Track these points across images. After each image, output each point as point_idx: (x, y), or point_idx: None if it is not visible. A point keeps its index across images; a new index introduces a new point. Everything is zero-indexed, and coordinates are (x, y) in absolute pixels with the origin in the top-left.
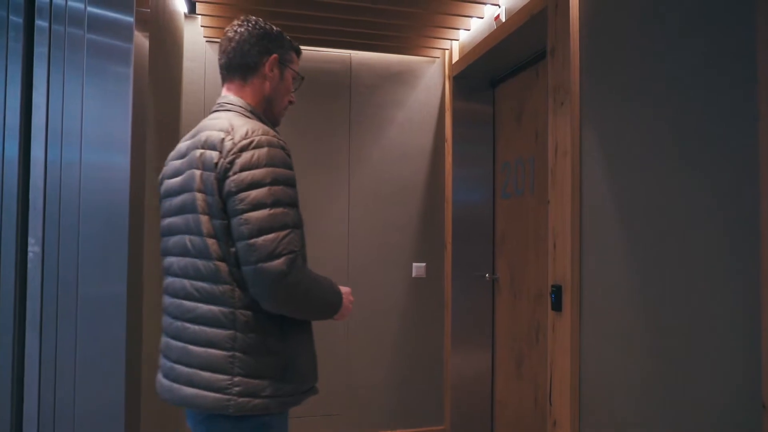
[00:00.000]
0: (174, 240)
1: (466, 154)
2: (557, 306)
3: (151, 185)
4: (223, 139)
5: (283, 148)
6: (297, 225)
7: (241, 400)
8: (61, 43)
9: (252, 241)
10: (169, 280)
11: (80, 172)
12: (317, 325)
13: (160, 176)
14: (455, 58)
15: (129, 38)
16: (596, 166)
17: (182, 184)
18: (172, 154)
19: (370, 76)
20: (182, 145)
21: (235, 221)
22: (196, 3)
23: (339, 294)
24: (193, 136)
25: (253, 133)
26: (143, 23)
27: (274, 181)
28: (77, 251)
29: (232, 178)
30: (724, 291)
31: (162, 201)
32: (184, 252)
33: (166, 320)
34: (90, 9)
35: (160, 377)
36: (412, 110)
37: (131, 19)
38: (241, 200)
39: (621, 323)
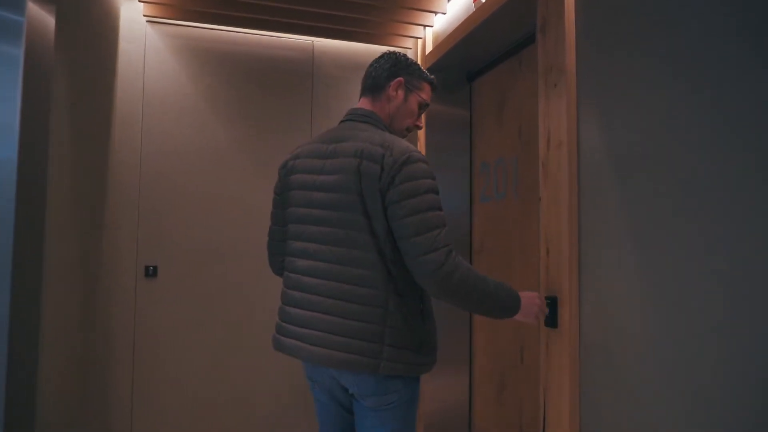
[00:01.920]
0: (321, 230)
1: (440, 154)
2: (552, 321)
3: (70, 183)
4: (383, 156)
5: (428, 163)
6: (446, 224)
7: (388, 363)
8: None
9: (413, 240)
10: (314, 263)
11: None
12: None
13: (288, 167)
14: (429, 48)
15: (18, 10)
16: (597, 158)
17: (336, 185)
18: (305, 151)
19: (334, 67)
20: (321, 146)
21: (398, 224)
22: None
23: (513, 294)
24: (338, 141)
25: (407, 149)
26: None
27: (427, 191)
28: None
29: (394, 191)
30: (752, 305)
31: (293, 191)
32: (338, 242)
33: (306, 298)
34: None
35: (303, 345)
36: None
37: None
38: (403, 207)
39: (628, 337)
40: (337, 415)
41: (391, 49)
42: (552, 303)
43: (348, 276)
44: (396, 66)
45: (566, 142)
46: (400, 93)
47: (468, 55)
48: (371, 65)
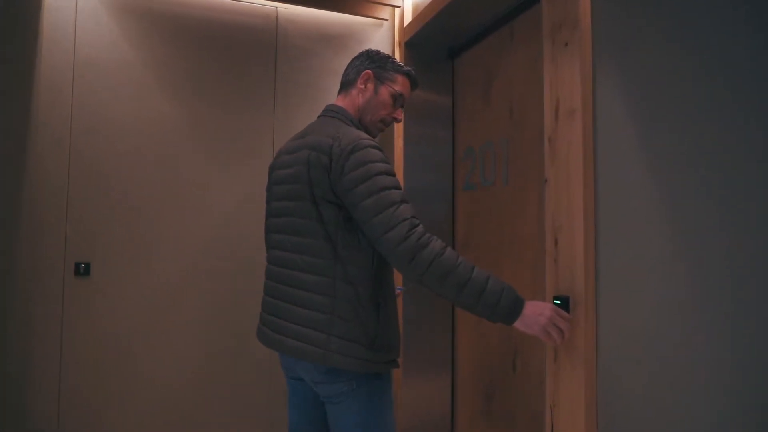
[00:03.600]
0: (284, 220)
1: (419, 139)
2: None
3: None
4: (331, 146)
5: (378, 148)
6: (406, 200)
7: (337, 356)
8: None
9: (371, 222)
10: (279, 253)
11: None
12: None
13: (271, 166)
14: (408, 19)
15: None
16: (618, 130)
17: (292, 176)
18: (283, 149)
19: (301, 38)
20: (292, 143)
21: (356, 211)
22: None
23: (510, 293)
24: (303, 137)
25: (356, 138)
26: None
27: (377, 173)
28: None
29: (345, 180)
30: None
31: (272, 186)
32: (294, 231)
33: (273, 285)
34: None
35: (266, 330)
36: None
37: None
38: (356, 194)
39: (656, 347)
40: (307, 407)
41: (366, 20)
42: (563, 304)
43: (301, 263)
44: (366, 60)
45: (581, 110)
46: (370, 86)
47: (452, 26)
48: (347, 67)
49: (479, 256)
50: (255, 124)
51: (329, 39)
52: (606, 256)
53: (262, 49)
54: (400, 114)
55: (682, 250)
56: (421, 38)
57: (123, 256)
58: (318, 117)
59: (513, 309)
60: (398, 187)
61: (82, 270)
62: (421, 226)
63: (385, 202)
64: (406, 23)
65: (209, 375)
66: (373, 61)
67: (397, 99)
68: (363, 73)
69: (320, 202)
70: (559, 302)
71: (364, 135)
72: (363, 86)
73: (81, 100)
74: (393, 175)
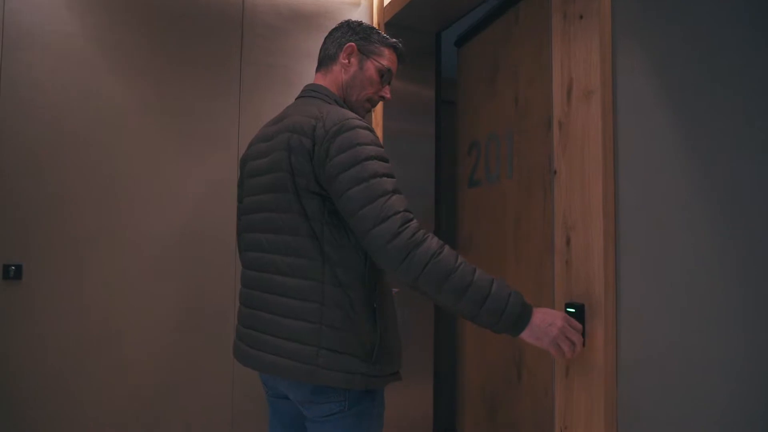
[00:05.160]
0: (262, 216)
1: (399, 133)
2: None
3: None
4: (314, 127)
5: (369, 128)
6: (399, 191)
7: (325, 372)
8: None
9: (359, 213)
10: (255, 255)
11: None
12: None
13: (243, 158)
14: None
15: None
16: (641, 114)
17: (270, 166)
18: (256, 137)
19: (270, 16)
20: (268, 129)
21: (340, 201)
22: None
23: (517, 299)
24: (280, 121)
25: (342, 117)
26: None
27: (367, 158)
28: None
29: (330, 165)
30: None
31: (245, 180)
32: (274, 229)
33: (249, 293)
34: None
35: (242, 346)
36: None
37: None
38: (341, 180)
39: (685, 363)
40: (293, 428)
41: None
42: (577, 313)
43: (281, 266)
44: (348, 32)
45: (599, 91)
46: (354, 60)
47: (436, 5)
48: (325, 40)
49: (483, 257)
50: (217, 109)
51: (301, 17)
52: (628, 257)
53: (226, 25)
54: (387, 92)
55: (713, 253)
56: (402, 19)
57: (61, 256)
58: (296, 98)
59: (520, 318)
60: (391, 175)
61: (12, 273)
62: (415, 221)
63: (376, 191)
64: (386, 2)
65: (164, 386)
66: (356, 33)
67: (384, 75)
68: (346, 46)
69: (303, 193)
70: (573, 310)
71: (351, 114)
72: (346, 61)
73: (10, 76)
74: (386, 160)
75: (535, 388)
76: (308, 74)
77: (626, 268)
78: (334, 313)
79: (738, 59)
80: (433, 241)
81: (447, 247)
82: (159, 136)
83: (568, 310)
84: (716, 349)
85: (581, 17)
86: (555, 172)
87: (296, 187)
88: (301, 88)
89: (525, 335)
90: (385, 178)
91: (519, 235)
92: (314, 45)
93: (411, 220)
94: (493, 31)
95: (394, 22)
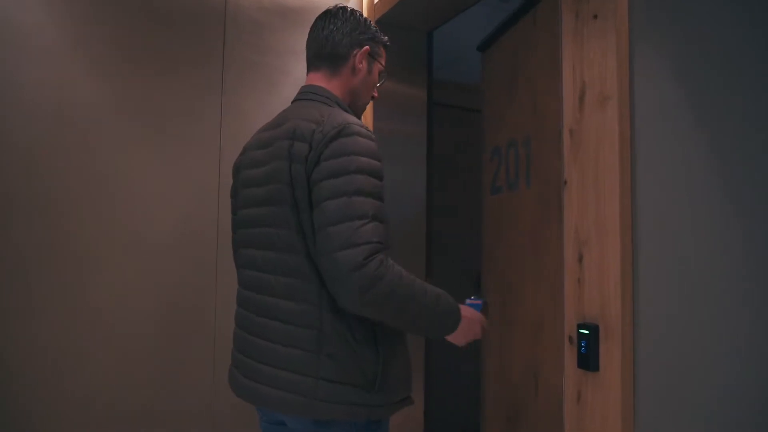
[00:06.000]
0: (258, 231)
1: (390, 135)
2: (589, 361)
3: None
4: (313, 131)
5: (370, 137)
6: (379, 217)
7: (324, 405)
8: None
9: (327, 230)
10: (251, 273)
11: None
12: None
13: (236, 165)
14: None
15: None
16: (660, 120)
17: (268, 176)
18: (251, 143)
19: (255, 11)
20: (264, 135)
21: (315, 211)
22: None
23: (454, 309)
24: (278, 126)
25: (343, 121)
26: None
27: (358, 170)
28: None
29: (317, 170)
30: None
31: (238, 191)
32: (270, 245)
33: (244, 314)
34: None
35: (237, 374)
36: None
37: None
38: (321, 188)
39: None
40: None
41: None
42: (591, 335)
43: (276, 287)
44: (358, 30)
45: (616, 96)
46: (365, 63)
47: (431, 3)
48: (320, 27)
49: (502, 268)
50: (198, 108)
51: (288, 13)
52: (646, 276)
53: (207, 19)
54: (376, 90)
55: (741, 272)
56: (394, 17)
57: (26, 266)
58: (294, 101)
59: (455, 324)
60: (378, 195)
61: None
62: (383, 253)
63: (355, 210)
64: (376, 0)
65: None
66: (365, 32)
67: (382, 76)
68: (363, 51)
69: (301, 206)
70: (587, 332)
71: (353, 119)
72: (361, 65)
73: None
74: (379, 177)
75: (551, 404)
76: (294, 72)
77: (644, 287)
78: (332, 341)
79: (759, 61)
80: (394, 275)
81: (403, 277)
82: (135, 136)
83: (581, 331)
84: (743, 374)
85: (595, 17)
86: (565, 183)
87: (295, 200)
88: (287, 86)
89: (453, 336)
90: (369, 199)
91: (536, 246)
92: (301, 42)
93: (379, 252)
94: (512, 34)
95: (385, 20)
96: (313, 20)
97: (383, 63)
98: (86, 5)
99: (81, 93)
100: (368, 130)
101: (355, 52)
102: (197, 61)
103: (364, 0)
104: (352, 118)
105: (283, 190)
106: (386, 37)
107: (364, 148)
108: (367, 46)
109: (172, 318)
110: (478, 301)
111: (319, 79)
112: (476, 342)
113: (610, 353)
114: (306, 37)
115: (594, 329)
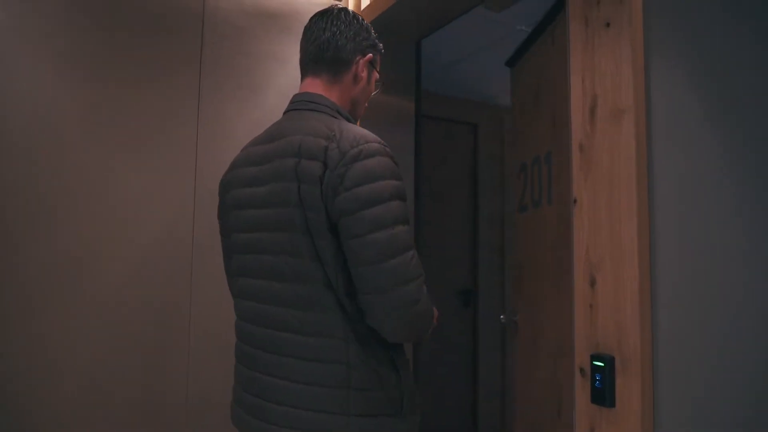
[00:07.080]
0: (262, 259)
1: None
2: (605, 396)
3: None
4: (325, 148)
5: (391, 155)
6: (412, 241)
7: None
8: None
9: (383, 265)
10: (251, 305)
11: None
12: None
13: (223, 183)
14: (365, 1)
15: None
16: (679, 136)
17: (269, 197)
18: (241, 159)
19: (234, 14)
20: (256, 149)
21: (354, 243)
22: None
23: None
24: (273, 140)
25: (362, 138)
26: None
27: (392, 196)
28: None
29: (345, 195)
30: None
31: (230, 212)
32: (279, 276)
33: (248, 351)
34: None
35: (244, 416)
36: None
37: None
38: (361, 219)
39: (736, 426)
40: None
41: None
42: (606, 367)
43: (293, 322)
44: (361, 36)
45: (632, 110)
46: (366, 72)
47: (416, 12)
48: (320, 28)
49: (529, 289)
50: (173, 113)
51: (269, 17)
52: (667, 302)
53: (184, 21)
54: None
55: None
56: (380, 26)
57: None
58: (287, 111)
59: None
60: (408, 220)
61: None
62: (426, 282)
63: (402, 242)
64: (363, 6)
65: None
66: (368, 38)
67: (377, 85)
68: (367, 59)
69: (315, 232)
70: (602, 364)
71: (370, 135)
72: (363, 74)
73: None
74: (404, 197)
75: (572, 428)
76: (275, 79)
77: (664, 314)
78: (360, 373)
79: None
80: (430, 303)
81: (431, 303)
82: (107, 142)
83: (595, 363)
84: None
85: (608, 25)
86: (575, 201)
87: (308, 224)
88: (267, 92)
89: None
90: (406, 227)
91: (557, 266)
92: (282, 47)
93: (423, 284)
94: (536, 50)
95: (373, 27)
96: (294, 25)
97: (379, 71)
98: (56, 6)
99: (50, 97)
100: (385, 145)
101: (358, 59)
102: (173, 66)
103: (349, 4)
104: (369, 134)
105: (292, 213)
106: (381, 44)
107: (389, 170)
108: (370, 54)
109: (151, 314)
110: None
111: (318, 86)
112: (465, 355)
113: (628, 387)
114: (286, 42)
115: (609, 360)
